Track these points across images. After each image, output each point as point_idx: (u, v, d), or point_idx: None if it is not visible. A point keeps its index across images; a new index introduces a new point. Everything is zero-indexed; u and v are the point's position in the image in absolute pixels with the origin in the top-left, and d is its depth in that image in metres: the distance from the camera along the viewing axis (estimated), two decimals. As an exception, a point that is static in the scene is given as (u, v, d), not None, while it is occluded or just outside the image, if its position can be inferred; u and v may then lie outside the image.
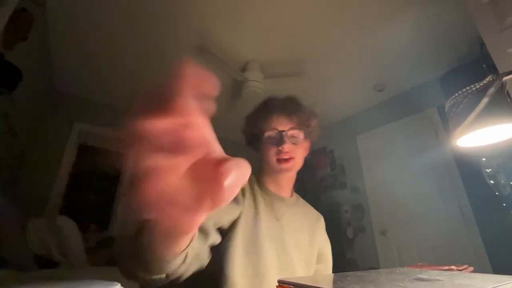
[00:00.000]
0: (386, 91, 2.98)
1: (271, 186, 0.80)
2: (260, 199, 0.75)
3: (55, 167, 2.76)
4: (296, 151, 0.75)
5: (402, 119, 2.95)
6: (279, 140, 0.73)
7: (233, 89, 2.95)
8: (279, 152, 0.73)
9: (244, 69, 2.56)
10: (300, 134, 0.76)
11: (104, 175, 3.15)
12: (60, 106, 2.96)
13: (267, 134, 0.74)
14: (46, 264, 1.64)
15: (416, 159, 2.71)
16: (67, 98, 3.04)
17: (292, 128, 0.74)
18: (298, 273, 0.72)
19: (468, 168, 2.29)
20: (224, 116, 3.57)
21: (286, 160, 0.73)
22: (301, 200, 0.89)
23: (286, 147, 0.72)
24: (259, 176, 0.82)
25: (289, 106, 0.76)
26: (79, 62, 2.59)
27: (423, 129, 2.76)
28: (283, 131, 0.73)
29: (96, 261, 1.97)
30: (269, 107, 0.77)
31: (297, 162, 0.76)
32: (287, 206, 0.79)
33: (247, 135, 0.82)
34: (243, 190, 0.73)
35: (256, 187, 0.78)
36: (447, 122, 0.72)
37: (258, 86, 2.43)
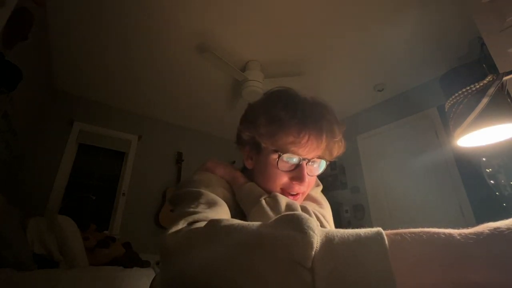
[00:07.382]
0: (386, 91, 2.98)
1: None
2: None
3: (55, 167, 2.77)
4: (310, 183, 0.57)
5: (402, 119, 2.95)
6: (299, 173, 0.54)
7: (233, 89, 2.95)
8: (290, 186, 0.55)
9: (244, 69, 2.56)
10: (321, 163, 0.57)
11: (104, 175, 3.15)
12: (60, 106, 2.97)
13: (286, 157, 0.53)
14: (46, 264, 1.64)
15: (416, 159, 2.71)
16: (67, 98, 3.04)
17: (318, 157, 0.55)
18: None
19: (468, 168, 2.29)
20: (224, 116, 3.57)
21: (294, 195, 0.56)
22: None
23: (305, 183, 0.54)
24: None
25: (330, 129, 0.54)
26: (79, 62, 2.59)
27: (423, 129, 2.75)
28: (307, 159, 0.54)
29: (96, 261, 1.96)
30: (303, 122, 0.51)
31: (303, 197, 0.59)
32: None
33: (246, 137, 0.58)
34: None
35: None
36: (447, 122, 0.71)
37: (258, 86, 2.44)
